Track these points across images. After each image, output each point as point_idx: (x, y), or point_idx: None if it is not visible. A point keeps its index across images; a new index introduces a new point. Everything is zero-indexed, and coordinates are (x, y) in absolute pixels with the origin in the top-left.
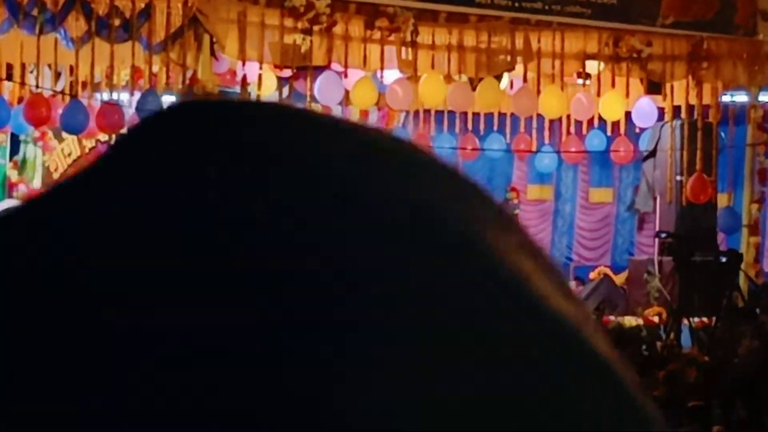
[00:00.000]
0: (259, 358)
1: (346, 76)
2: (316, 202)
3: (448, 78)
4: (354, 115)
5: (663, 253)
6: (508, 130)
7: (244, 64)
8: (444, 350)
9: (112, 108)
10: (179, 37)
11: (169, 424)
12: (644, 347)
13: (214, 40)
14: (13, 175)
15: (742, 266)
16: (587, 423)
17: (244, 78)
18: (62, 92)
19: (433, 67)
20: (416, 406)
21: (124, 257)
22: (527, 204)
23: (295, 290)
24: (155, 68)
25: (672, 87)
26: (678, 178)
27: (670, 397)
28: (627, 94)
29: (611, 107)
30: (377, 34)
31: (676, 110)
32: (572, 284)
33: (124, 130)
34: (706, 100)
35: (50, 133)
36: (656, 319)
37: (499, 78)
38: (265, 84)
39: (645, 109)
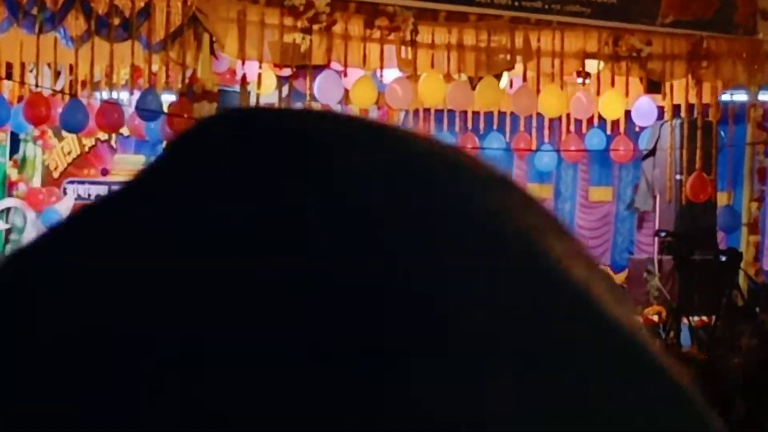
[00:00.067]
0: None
1: (345, 75)
2: (399, 211)
3: (448, 77)
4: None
5: (663, 252)
6: (507, 129)
7: (243, 63)
8: (523, 357)
9: (111, 107)
10: (179, 36)
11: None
12: None
13: (214, 39)
14: (12, 173)
15: (742, 265)
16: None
17: (244, 77)
18: (62, 91)
19: (432, 66)
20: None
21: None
22: None
23: (395, 297)
24: (155, 67)
25: (672, 86)
26: (678, 176)
27: None
28: (627, 93)
29: (611, 106)
30: (377, 33)
31: (676, 109)
32: None
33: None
34: (706, 99)
35: (50, 132)
36: (656, 318)
37: (498, 77)
38: (264, 83)
39: (645, 108)
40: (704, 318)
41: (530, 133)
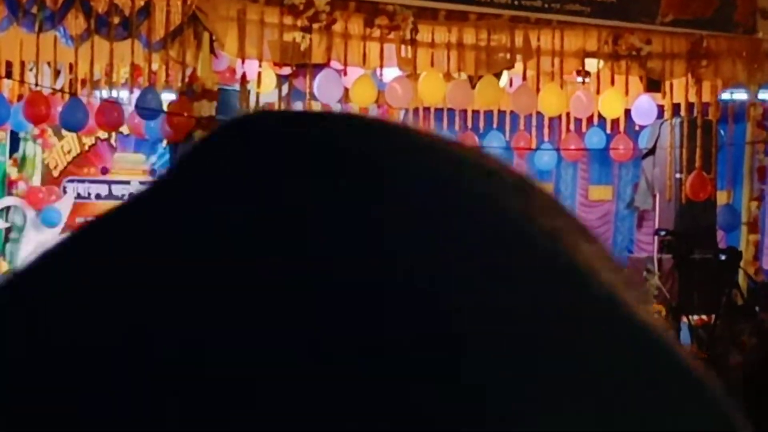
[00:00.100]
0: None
1: (345, 73)
2: (407, 210)
3: (448, 76)
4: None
5: (662, 251)
6: (507, 127)
7: (243, 62)
8: (561, 362)
9: (111, 106)
10: (179, 35)
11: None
12: None
13: (214, 38)
14: (12, 172)
15: (742, 264)
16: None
17: (244, 76)
18: (62, 90)
19: (432, 65)
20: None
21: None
22: None
23: (442, 301)
24: (155, 66)
25: (671, 85)
26: (677, 175)
27: None
28: (626, 92)
29: (611, 105)
30: (377, 32)
31: (676, 108)
32: None
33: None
34: (706, 97)
35: (50, 131)
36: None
37: (498, 76)
38: (264, 82)
39: (644, 106)
40: (704, 317)
41: (530, 132)
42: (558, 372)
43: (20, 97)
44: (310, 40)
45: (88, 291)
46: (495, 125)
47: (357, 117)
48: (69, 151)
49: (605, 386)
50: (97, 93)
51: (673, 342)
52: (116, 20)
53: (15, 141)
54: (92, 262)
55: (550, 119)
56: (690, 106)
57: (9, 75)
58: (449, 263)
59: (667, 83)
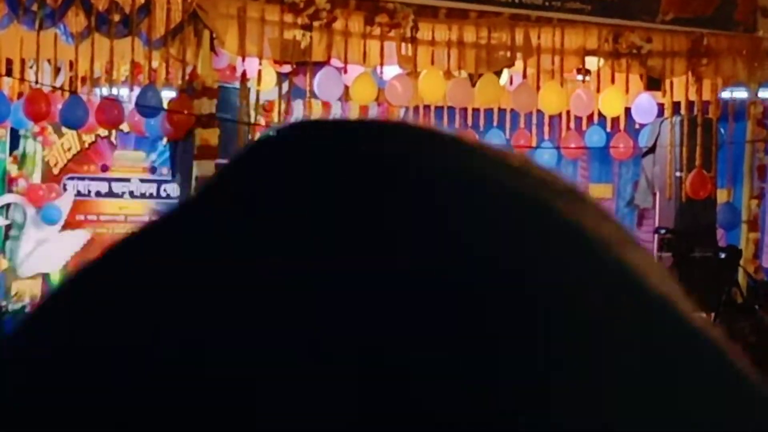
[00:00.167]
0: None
1: (345, 71)
2: (469, 215)
3: (448, 74)
4: (353, 111)
5: (662, 249)
6: (507, 125)
7: (243, 60)
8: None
9: (111, 103)
10: (179, 32)
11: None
12: None
13: (214, 35)
14: (12, 169)
15: (742, 262)
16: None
17: (244, 73)
18: (62, 88)
19: (432, 63)
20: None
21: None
22: None
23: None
24: (155, 64)
25: (672, 83)
26: (677, 174)
27: None
28: (627, 90)
29: (611, 103)
30: (377, 30)
31: (676, 106)
32: None
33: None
34: (706, 96)
35: (50, 128)
36: None
37: (498, 74)
38: (264, 79)
39: (645, 105)
40: (703, 315)
41: (530, 130)
42: (618, 374)
43: (20, 95)
44: (311, 37)
45: (112, 292)
46: (495, 123)
47: (411, 127)
48: (69, 149)
49: (663, 386)
50: (97, 90)
51: (725, 343)
52: (116, 18)
53: (15, 138)
54: (137, 262)
55: (551, 117)
56: (690, 104)
57: (9, 72)
58: (515, 265)
59: (668, 81)
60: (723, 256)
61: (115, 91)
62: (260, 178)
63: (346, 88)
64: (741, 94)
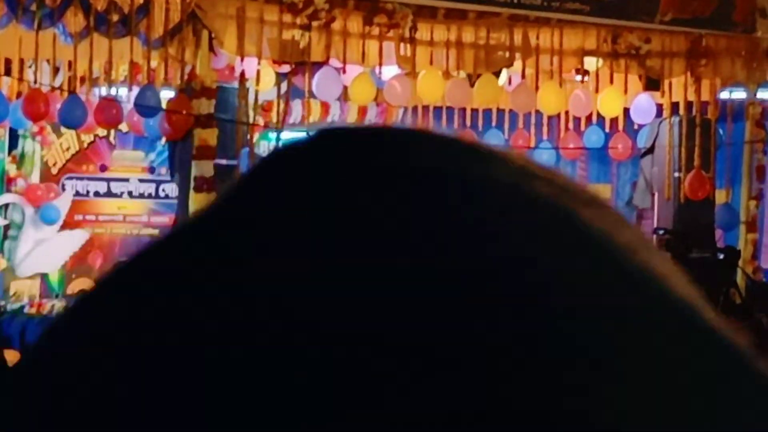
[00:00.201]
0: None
1: (344, 71)
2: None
3: (447, 74)
4: (352, 111)
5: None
6: (506, 126)
7: (242, 60)
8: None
9: (110, 103)
10: (178, 32)
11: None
12: None
13: (213, 35)
14: (11, 169)
15: (740, 263)
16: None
17: (243, 73)
18: (60, 87)
19: (431, 63)
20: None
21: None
22: None
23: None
24: (154, 63)
25: (670, 84)
26: (676, 174)
27: None
28: (625, 91)
29: (609, 104)
30: (376, 30)
31: (675, 107)
32: None
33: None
34: (705, 96)
35: (49, 128)
36: None
37: (497, 74)
38: (263, 79)
39: (643, 105)
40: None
41: (529, 131)
42: (653, 383)
43: (19, 95)
44: (310, 38)
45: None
46: (494, 123)
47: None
48: (68, 149)
49: (697, 395)
50: (96, 90)
51: (753, 354)
52: (115, 18)
53: (14, 138)
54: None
55: (549, 118)
56: (689, 104)
57: (8, 72)
58: (541, 276)
59: (666, 82)
60: (721, 256)
61: (113, 91)
62: (296, 185)
63: (345, 88)
64: (740, 94)
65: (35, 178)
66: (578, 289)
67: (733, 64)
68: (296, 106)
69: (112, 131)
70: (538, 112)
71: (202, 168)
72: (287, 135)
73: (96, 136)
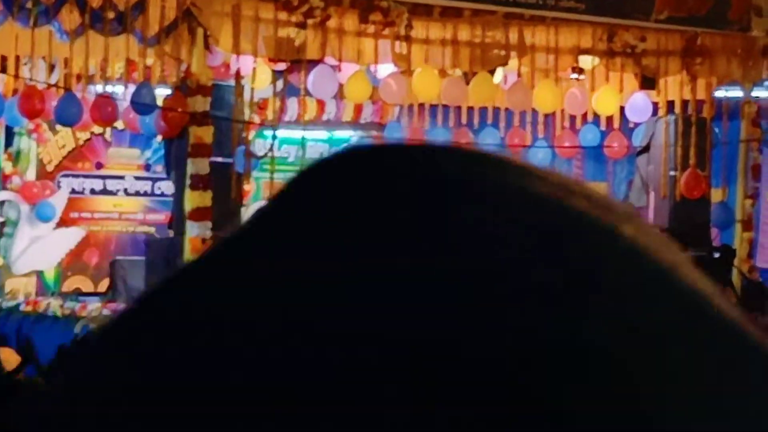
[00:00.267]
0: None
1: (340, 69)
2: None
3: (442, 72)
4: (348, 109)
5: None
6: (502, 124)
7: (238, 58)
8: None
9: (106, 100)
10: (173, 30)
11: None
12: None
13: (208, 33)
14: (7, 166)
15: (735, 262)
16: None
17: (238, 71)
18: (56, 85)
19: (427, 61)
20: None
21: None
22: None
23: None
24: (149, 61)
25: (666, 82)
26: (672, 173)
27: None
28: (621, 89)
29: (605, 102)
30: (371, 28)
31: (670, 105)
32: None
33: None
34: (700, 95)
35: (44, 125)
36: None
37: (493, 72)
38: (259, 77)
39: (639, 104)
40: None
41: (524, 129)
42: (698, 388)
43: (15, 92)
44: (305, 35)
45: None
46: (489, 122)
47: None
48: (63, 146)
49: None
50: (91, 88)
51: None
52: (111, 15)
53: (10, 135)
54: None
55: (545, 116)
56: (684, 103)
57: (4, 69)
58: (591, 295)
59: (662, 80)
60: (717, 255)
61: (109, 88)
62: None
63: (341, 86)
64: (735, 93)
65: (31, 175)
66: (622, 308)
67: (729, 62)
68: (292, 103)
69: (108, 129)
70: (533, 110)
71: (197, 165)
72: (283, 133)
73: (92, 133)
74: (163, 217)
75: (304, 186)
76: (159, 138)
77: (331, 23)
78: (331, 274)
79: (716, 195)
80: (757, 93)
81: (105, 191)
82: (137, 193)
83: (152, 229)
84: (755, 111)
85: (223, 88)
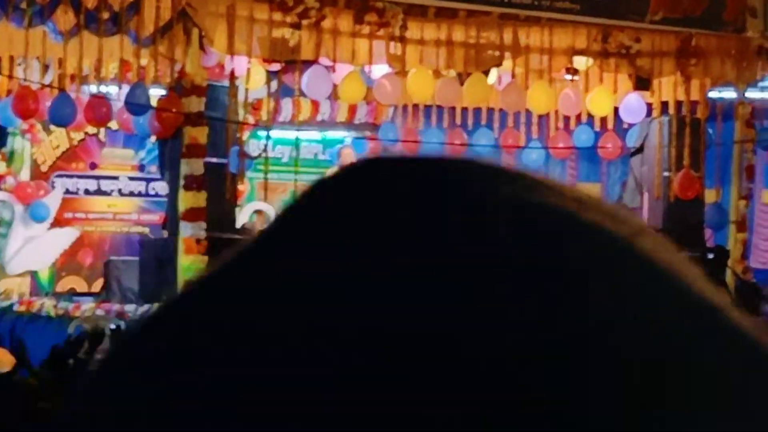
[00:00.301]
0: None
1: (334, 70)
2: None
3: (437, 73)
4: (342, 109)
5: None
6: (496, 125)
7: (232, 58)
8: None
9: (100, 101)
10: (168, 30)
11: None
12: None
13: (203, 33)
14: (1, 167)
15: (729, 262)
16: None
17: (233, 72)
18: (50, 85)
19: (421, 61)
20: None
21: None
22: None
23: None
24: (144, 61)
25: (660, 83)
26: (666, 174)
27: None
28: (615, 90)
29: (599, 103)
30: (366, 29)
31: (664, 106)
32: None
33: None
34: (694, 96)
35: (38, 126)
36: None
37: (487, 73)
38: (253, 78)
39: (633, 104)
40: None
41: (518, 130)
42: (706, 391)
43: (9, 92)
44: (300, 36)
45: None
46: (483, 122)
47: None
48: (57, 147)
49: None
50: (85, 88)
51: None
52: (105, 16)
53: (3, 136)
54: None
55: (539, 117)
56: (678, 104)
57: None
58: (613, 312)
59: (656, 81)
60: (711, 256)
61: (103, 88)
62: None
63: (335, 86)
64: (729, 94)
65: (25, 175)
66: (641, 325)
67: (723, 63)
68: (286, 104)
69: (102, 129)
70: (527, 111)
71: (191, 166)
72: (277, 133)
73: (86, 133)
74: (157, 217)
75: (320, 191)
76: (153, 138)
77: (326, 24)
78: (331, 274)
79: (710, 196)
80: (751, 94)
81: (99, 192)
82: (131, 194)
83: (146, 230)
84: (749, 112)
85: (217, 88)
